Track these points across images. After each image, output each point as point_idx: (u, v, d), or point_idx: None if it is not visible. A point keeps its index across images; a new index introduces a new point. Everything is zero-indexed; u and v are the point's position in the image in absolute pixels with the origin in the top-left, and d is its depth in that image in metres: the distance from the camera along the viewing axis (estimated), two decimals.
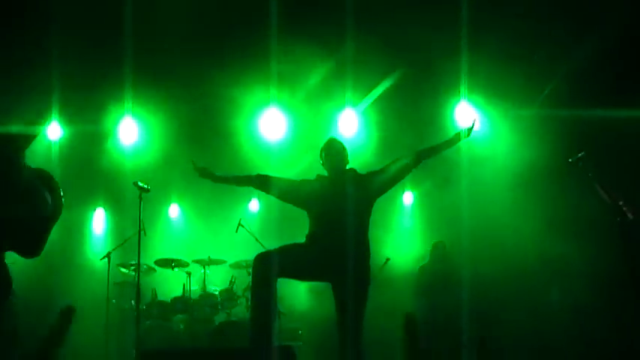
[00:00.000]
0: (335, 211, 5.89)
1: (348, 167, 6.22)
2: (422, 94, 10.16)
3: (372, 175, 6.17)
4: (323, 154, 6.19)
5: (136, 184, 7.88)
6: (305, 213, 6.18)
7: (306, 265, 5.90)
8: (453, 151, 10.04)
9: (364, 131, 10.70)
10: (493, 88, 9.87)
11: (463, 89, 9.86)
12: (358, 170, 6.24)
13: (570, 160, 6.87)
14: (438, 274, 9.67)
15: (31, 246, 4.33)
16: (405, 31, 8.97)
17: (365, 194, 6.03)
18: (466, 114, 9.94)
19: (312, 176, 6.29)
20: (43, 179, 4.19)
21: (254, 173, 6.26)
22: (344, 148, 6.21)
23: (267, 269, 5.68)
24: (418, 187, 11.85)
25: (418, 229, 11.75)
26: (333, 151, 6.16)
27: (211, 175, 6.23)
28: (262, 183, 6.18)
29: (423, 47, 9.17)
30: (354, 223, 5.90)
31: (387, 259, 10.05)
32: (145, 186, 7.90)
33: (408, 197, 12.13)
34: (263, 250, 9.22)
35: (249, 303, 5.90)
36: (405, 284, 10.13)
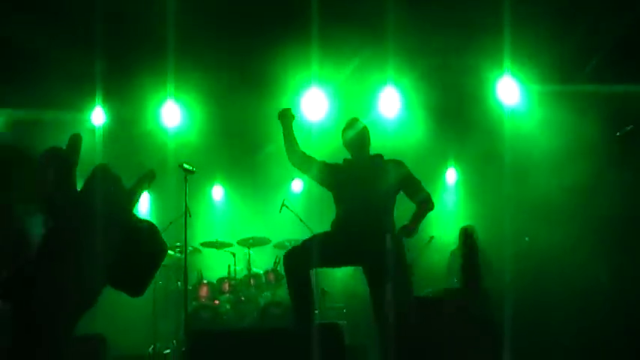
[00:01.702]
0: (357, 196, 6.11)
1: (373, 153, 6.42)
2: (464, 69, 10.23)
3: (396, 165, 6.37)
4: (344, 136, 6.42)
5: (181, 166, 7.99)
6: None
7: (333, 254, 6.12)
8: (496, 126, 10.36)
9: (406, 110, 10.86)
10: (536, 62, 9.91)
11: (506, 64, 9.93)
12: (385, 157, 6.44)
13: (618, 133, 6.87)
14: (467, 259, 9.78)
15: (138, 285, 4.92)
16: (447, 5, 9.09)
17: (386, 181, 6.22)
18: (509, 89, 10.07)
19: (340, 160, 6.53)
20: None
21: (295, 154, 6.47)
22: (364, 129, 6.41)
23: (297, 265, 5.99)
24: (462, 163, 12.04)
25: (462, 206, 11.91)
26: (353, 133, 6.36)
27: (286, 126, 6.47)
28: (309, 162, 6.42)
29: (464, 22, 9.25)
30: (377, 208, 6.13)
31: (431, 237, 10.22)
32: (191, 168, 8.03)
33: (451, 174, 12.29)
34: (307, 230, 9.55)
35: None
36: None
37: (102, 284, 1.99)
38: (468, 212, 11.50)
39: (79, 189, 1.97)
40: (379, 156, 6.45)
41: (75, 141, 1.98)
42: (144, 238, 1.95)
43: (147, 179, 2.16)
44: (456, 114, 10.76)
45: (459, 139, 11.16)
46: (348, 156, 6.50)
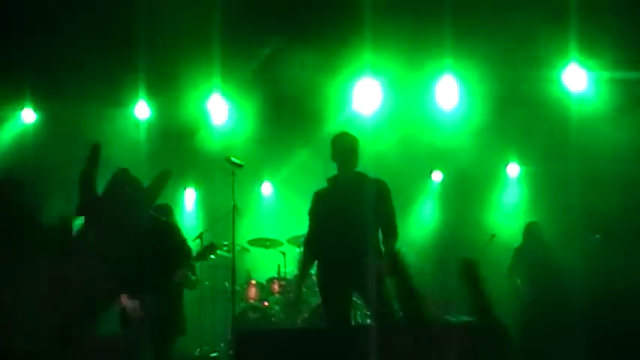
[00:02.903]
0: (336, 221, 6.13)
1: (358, 170, 6.30)
2: (528, 57, 9.96)
3: (378, 187, 6.21)
4: (332, 150, 6.31)
5: (228, 159, 7.92)
6: None
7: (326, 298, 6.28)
8: (560, 118, 10.06)
9: (465, 102, 10.62)
10: (602, 50, 9.61)
11: (572, 52, 9.65)
12: (369, 175, 6.30)
13: None
14: (530, 257, 9.57)
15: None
16: None
17: (365, 200, 6.08)
18: (575, 76, 9.79)
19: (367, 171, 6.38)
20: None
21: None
22: (351, 144, 6.26)
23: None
24: (525, 156, 11.75)
25: (525, 202, 11.63)
26: (340, 148, 6.25)
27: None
28: (312, 244, 6.45)
29: (528, 8, 9.02)
30: (357, 229, 6.02)
31: (492, 235, 10.02)
32: (238, 161, 7.95)
33: (513, 169, 12.00)
34: None
35: None
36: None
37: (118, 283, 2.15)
38: (530, 208, 11.18)
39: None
40: (363, 175, 6.30)
41: (93, 151, 2.22)
42: (158, 238, 2.13)
43: (164, 177, 2.31)
44: (519, 104, 10.45)
45: (521, 131, 10.86)
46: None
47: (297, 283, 6.66)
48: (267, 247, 10.51)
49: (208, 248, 7.66)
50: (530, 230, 9.81)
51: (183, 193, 12.51)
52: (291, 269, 10.43)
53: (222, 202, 10.00)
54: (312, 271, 10.16)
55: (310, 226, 6.48)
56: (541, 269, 9.41)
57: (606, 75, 9.89)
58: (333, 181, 6.35)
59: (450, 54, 9.85)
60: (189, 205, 12.45)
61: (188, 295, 10.28)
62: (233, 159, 7.93)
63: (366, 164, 6.40)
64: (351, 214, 6.08)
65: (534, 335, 8.77)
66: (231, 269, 8.25)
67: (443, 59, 10.01)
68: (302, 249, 6.75)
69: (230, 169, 8.02)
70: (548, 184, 10.98)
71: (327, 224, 6.22)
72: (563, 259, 9.16)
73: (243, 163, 7.99)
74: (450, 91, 10.37)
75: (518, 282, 9.65)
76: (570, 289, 8.88)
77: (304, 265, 6.61)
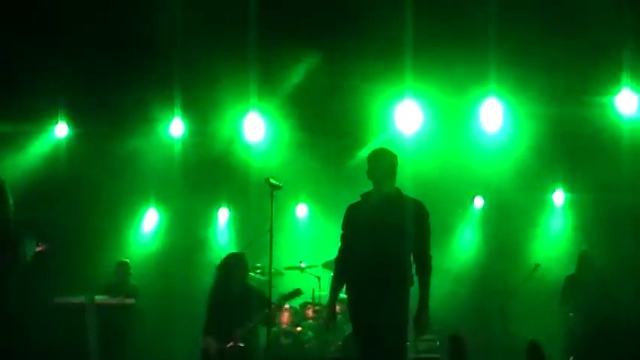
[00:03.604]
0: (368, 241, 5.79)
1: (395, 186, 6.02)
2: (577, 82, 9.79)
3: (416, 207, 5.93)
4: (368, 166, 6.04)
5: (267, 180, 7.79)
6: None
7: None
8: (610, 144, 9.86)
9: (510, 126, 10.43)
10: None
11: (625, 77, 9.53)
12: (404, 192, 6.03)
13: None
14: (585, 286, 9.35)
15: None
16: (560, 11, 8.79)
17: (400, 218, 5.81)
18: (628, 102, 9.64)
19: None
20: None
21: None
22: (391, 162, 6.01)
23: None
24: (571, 184, 11.51)
25: (571, 231, 11.38)
26: (377, 164, 5.98)
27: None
28: (344, 261, 6.11)
29: (577, 32, 8.95)
30: (388, 253, 5.74)
31: (537, 265, 9.80)
32: (277, 183, 7.84)
33: (559, 197, 11.76)
34: None
35: None
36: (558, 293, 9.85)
37: None
38: (576, 238, 10.93)
39: None
40: (400, 192, 6.01)
41: None
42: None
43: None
44: (566, 129, 10.27)
45: (569, 157, 10.67)
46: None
47: (328, 305, 6.31)
48: (302, 270, 10.40)
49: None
50: (585, 258, 9.59)
51: (217, 213, 12.43)
52: (325, 294, 10.25)
53: (256, 222, 9.92)
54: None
55: (342, 242, 6.19)
56: (596, 299, 9.18)
57: None
58: (367, 196, 6.09)
59: (494, 77, 9.73)
60: (222, 225, 12.38)
61: None
62: (272, 180, 7.82)
63: (403, 186, 6.16)
64: (383, 231, 5.77)
65: None
66: (268, 291, 8.07)
67: (487, 82, 9.90)
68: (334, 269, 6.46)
69: (268, 190, 7.87)
70: (596, 213, 10.73)
71: (358, 241, 5.91)
72: (616, 290, 8.93)
73: (282, 185, 7.90)
74: (495, 114, 10.23)
75: (571, 314, 9.40)
76: (624, 323, 8.68)
77: (334, 284, 6.23)
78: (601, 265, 9.63)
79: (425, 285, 5.80)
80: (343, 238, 6.17)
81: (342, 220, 6.16)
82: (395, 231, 5.77)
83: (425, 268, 5.82)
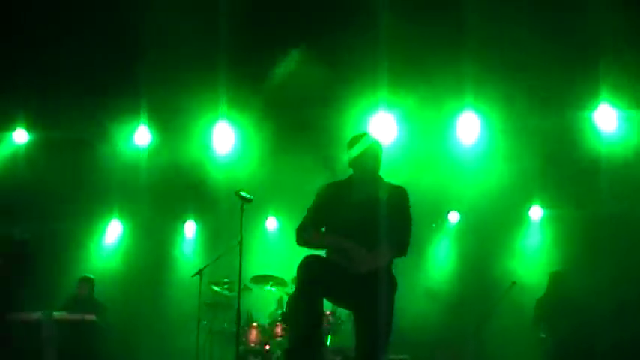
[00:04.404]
0: (351, 227, 5.34)
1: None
2: (555, 96, 9.79)
3: (398, 194, 5.53)
4: (349, 153, 5.58)
5: (237, 193, 7.70)
6: None
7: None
8: (587, 159, 9.87)
9: (486, 139, 10.41)
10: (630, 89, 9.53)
11: (603, 92, 9.58)
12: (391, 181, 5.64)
13: None
14: (557, 307, 9.31)
15: None
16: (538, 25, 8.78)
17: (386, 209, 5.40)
18: (606, 117, 9.70)
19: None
20: None
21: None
22: (375, 150, 5.54)
23: None
24: (548, 200, 11.50)
25: (548, 247, 11.34)
26: (359, 151, 5.47)
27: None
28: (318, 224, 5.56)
29: (556, 46, 8.96)
30: (373, 241, 5.30)
31: (513, 283, 9.72)
32: (248, 196, 7.74)
33: (536, 212, 11.75)
34: None
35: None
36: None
37: None
38: (554, 254, 10.91)
39: None
40: (384, 181, 5.57)
41: None
42: None
43: None
44: (544, 143, 10.27)
45: (546, 173, 10.64)
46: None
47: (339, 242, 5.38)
48: (270, 284, 10.21)
49: None
50: (555, 279, 9.56)
51: (183, 225, 12.25)
52: None
53: (224, 236, 9.75)
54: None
55: (315, 214, 5.55)
56: (567, 321, 9.12)
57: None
58: (348, 179, 5.65)
59: (471, 90, 9.70)
60: (188, 238, 12.22)
61: (184, 335, 10.13)
62: (243, 193, 7.70)
63: None
64: (369, 220, 5.36)
65: None
66: (237, 310, 7.89)
67: (464, 95, 9.88)
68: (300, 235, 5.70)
69: (236, 202, 7.75)
70: (573, 228, 10.73)
71: (337, 220, 5.45)
72: (589, 309, 8.88)
73: (252, 198, 7.76)
74: (471, 127, 10.23)
75: (542, 335, 9.33)
76: (596, 342, 8.65)
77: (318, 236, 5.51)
78: (575, 284, 9.60)
79: (384, 251, 5.29)
80: (317, 207, 5.61)
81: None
82: (375, 219, 5.33)
83: (393, 246, 5.36)
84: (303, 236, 5.50)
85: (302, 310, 5.08)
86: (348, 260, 5.22)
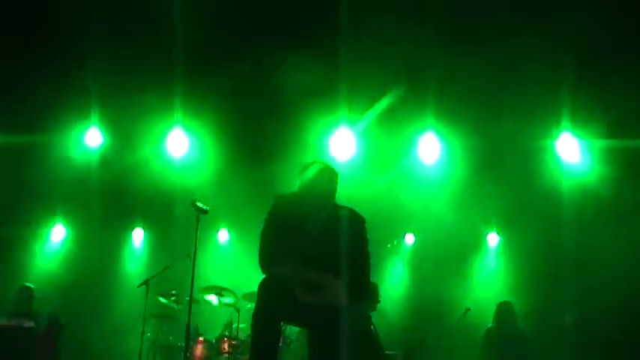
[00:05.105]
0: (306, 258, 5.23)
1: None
2: (516, 125, 9.90)
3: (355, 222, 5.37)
4: (300, 179, 5.42)
5: (193, 203, 7.42)
6: None
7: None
8: (549, 184, 9.97)
9: (446, 161, 10.43)
10: (593, 119, 9.68)
11: (564, 121, 9.72)
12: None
13: None
14: (503, 339, 9.31)
15: None
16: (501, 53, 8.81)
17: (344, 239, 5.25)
18: (568, 146, 9.88)
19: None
20: None
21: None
22: (330, 179, 5.36)
23: None
24: (505, 227, 11.59)
25: (503, 273, 11.42)
26: (312, 180, 5.31)
27: None
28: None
29: (521, 76, 9.08)
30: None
31: (467, 309, 9.68)
32: (204, 207, 7.45)
33: (492, 238, 11.81)
34: None
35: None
36: None
37: None
38: (509, 282, 10.94)
39: None
40: (338, 207, 5.38)
41: None
42: None
43: None
44: (504, 171, 10.36)
45: (505, 199, 10.71)
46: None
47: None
48: (220, 295, 10.05)
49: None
50: (502, 311, 9.53)
51: (131, 233, 12.04)
52: (244, 327, 9.94)
53: (173, 246, 9.59)
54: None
55: (270, 236, 5.38)
56: (513, 352, 9.12)
57: (599, 143, 9.94)
58: (298, 201, 5.38)
59: (432, 111, 9.75)
60: (136, 247, 12.02)
61: (126, 348, 9.92)
62: (199, 204, 7.45)
63: None
64: (324, 253, 5.20)
65: None
66: (187, 324, 7.68)
67: (425, 117, 9.93)
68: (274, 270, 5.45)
69: (188, 212, 7.55)
70: (530, 256, 10.80)
71: (291, 241, 5.26)
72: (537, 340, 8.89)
73: (209, 209, 7.57)
74: (431, 149, 10.28)
75: None
76: None
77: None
78: (527, 312, 9.65)
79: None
80: (273, 231, 5.41)
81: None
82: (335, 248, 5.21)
83: (361, 296, 5.26)
84: (279, 271, 5.22)
85: (261, 332, 5.00)
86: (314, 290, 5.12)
